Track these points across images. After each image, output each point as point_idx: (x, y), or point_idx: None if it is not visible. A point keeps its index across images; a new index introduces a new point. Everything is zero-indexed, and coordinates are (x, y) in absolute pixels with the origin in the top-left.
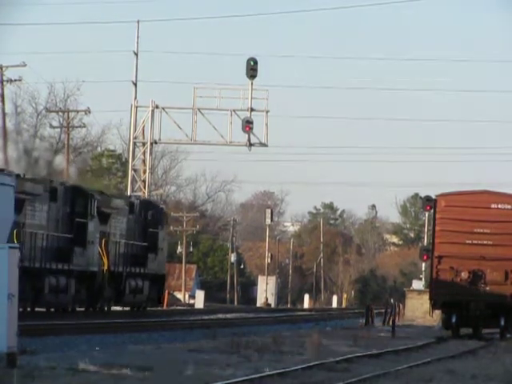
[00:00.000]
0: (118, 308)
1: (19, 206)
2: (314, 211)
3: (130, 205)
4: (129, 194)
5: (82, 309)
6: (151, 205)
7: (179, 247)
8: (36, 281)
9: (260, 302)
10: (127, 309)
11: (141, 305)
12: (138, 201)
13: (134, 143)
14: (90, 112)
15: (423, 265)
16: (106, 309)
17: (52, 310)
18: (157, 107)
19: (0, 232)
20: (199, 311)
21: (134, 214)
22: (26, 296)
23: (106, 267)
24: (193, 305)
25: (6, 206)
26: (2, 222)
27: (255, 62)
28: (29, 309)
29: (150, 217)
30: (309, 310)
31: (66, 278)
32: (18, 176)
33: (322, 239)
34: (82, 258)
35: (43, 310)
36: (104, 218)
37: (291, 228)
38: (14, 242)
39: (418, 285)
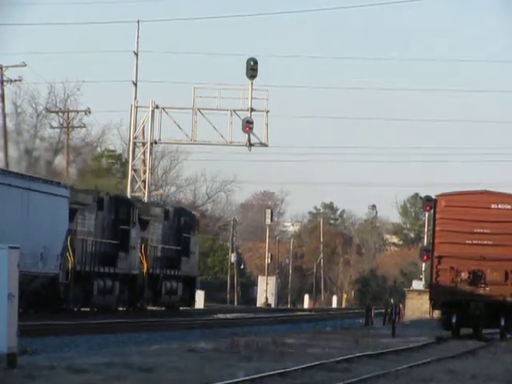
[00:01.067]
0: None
1: (72, 214)
2: (314, 211)
3: (165, 212)
4: (128, 194)
5: (123, 308)
6: (184, 211)
7: None
8: (86, 283)
9: (260, 302)
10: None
11: (174, 305)
12: (173, 208)
13: (134, 143)
14: (90, 112)
15: (423, 265)
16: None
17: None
18: (157, 107)
19: (56, 238)
20: (199, 311)
21: (168, 220)
22: (76, 298)
23: (145, 270)
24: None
25: (62, 215)
26: (59, 230)
27: (255, 62)
28: (75, 309)
29: (182, 222)
30: (309, 310)
31: (112, 280)
32: (71, 188)
33: (321, 239)
34: (125, 262)
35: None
36: (143, 224)
37: (291, 228)
38: (68, 249)
39: (417, 285)
